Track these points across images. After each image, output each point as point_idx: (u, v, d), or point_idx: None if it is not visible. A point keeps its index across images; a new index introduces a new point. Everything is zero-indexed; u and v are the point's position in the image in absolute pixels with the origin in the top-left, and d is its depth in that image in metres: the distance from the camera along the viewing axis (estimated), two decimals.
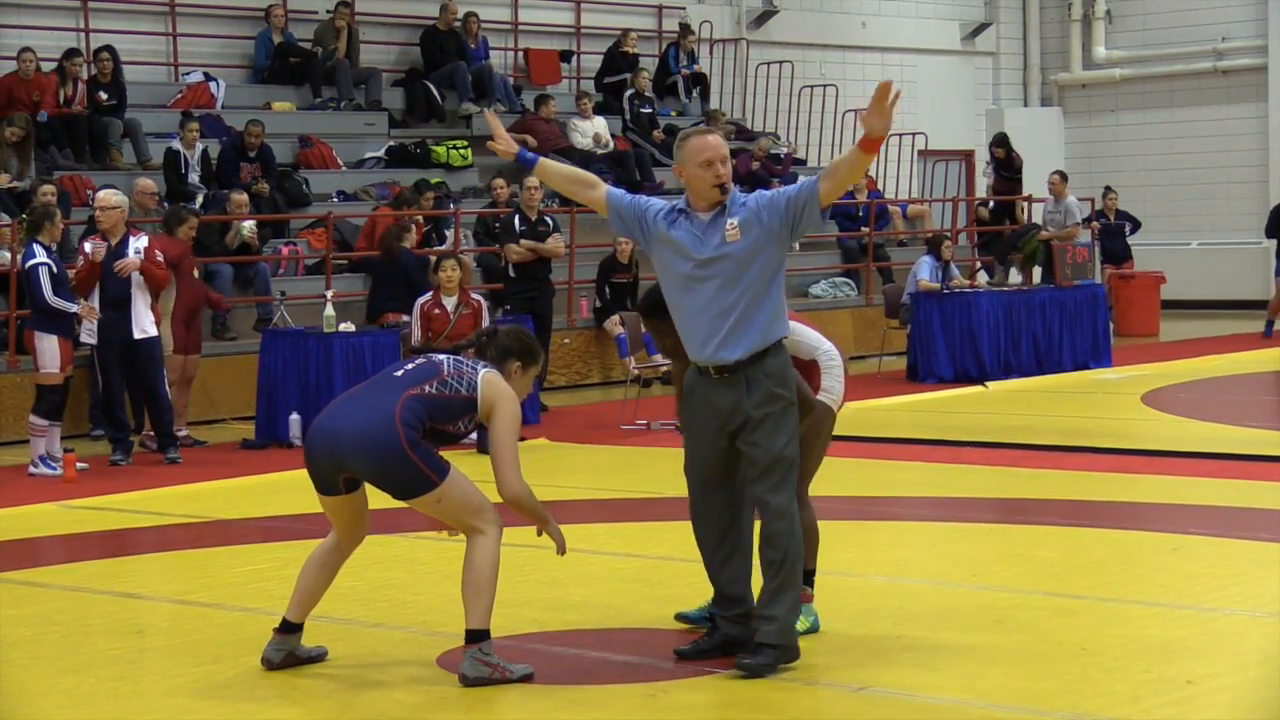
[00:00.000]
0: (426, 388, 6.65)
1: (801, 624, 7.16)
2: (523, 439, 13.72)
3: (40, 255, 12.65)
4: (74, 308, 12.68)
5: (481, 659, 6.56)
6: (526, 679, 6.60)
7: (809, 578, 7.27)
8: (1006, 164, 24.12)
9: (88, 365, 13.70)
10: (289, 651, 6.89)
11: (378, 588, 8.40)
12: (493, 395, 6.70)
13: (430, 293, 13.89)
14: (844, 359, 7.48)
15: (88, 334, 13.00)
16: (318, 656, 6.99)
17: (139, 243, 13.10)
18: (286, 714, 6.33)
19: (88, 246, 12.97)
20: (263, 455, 13.61)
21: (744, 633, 6.83)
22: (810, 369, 7.27)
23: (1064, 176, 22.03)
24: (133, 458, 13.19)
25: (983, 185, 25.74)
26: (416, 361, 6.86)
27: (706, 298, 6.65)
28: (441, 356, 6.86)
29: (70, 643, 7.45)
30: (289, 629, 6.91)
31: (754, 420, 6.65)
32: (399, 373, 6.79)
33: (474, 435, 13.61)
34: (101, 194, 13.41)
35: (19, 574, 9.11)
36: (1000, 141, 24.33)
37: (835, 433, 7.48)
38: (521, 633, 7.31)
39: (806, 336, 7.27)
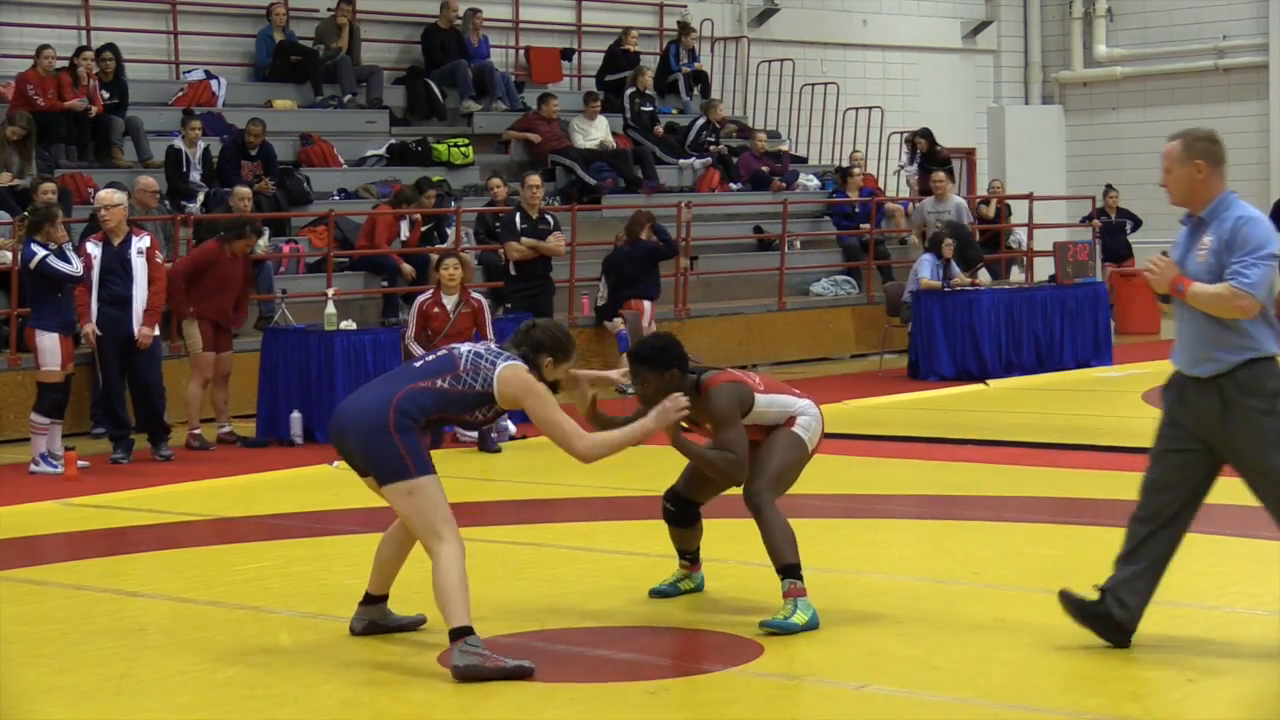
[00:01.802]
0: (439, 382, 6.79)
1: (799, 619, 7.18)
2: (524, 436, 13.78)
3: (40, 251, 12.66)
4: (79, 267, 12.69)
5: (469, 649, 6.59)
6: (524, 673, 6.58)
7: (796, 571, 7.30)
8: (930, 157, 23.28)
9: (88, 363, 13.70)
10: (371, 621, 7.29)
11: None
12: (513, 390, 6.82)
13: (430, 290, 13.87)
14: (820, 416, 7.76)
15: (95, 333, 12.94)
16: (409, 624, 7.32)
17: (141, 242, 13.08)
18: (288, 712, 6.33)
19: (90, 247, 12.94)
20: (264, 453, 13.60)
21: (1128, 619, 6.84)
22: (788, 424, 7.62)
23: (950, 175, 21.35)
24: (133, 455, 13.19)
25: (893, 180, 24.98)
26: (438, 354, 7.01)
27: (1181, 306, 6.69)
28: (464, 349, 6.99)
29: (71, 641, 7.45)
30: (370, 600, 7.30)
31: (1234, 437, 6.63)
32: (418, 364, 7.01)
33: (474, 434, 13.64)
34: (104, 193, 13.36)
35: (20, 572, 9.11)
36: (924, 134, 23.68)
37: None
38: (523, 631, 7.31)
39: (775, 405, 7.59)
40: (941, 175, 20.88)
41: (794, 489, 10.04)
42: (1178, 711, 6.05)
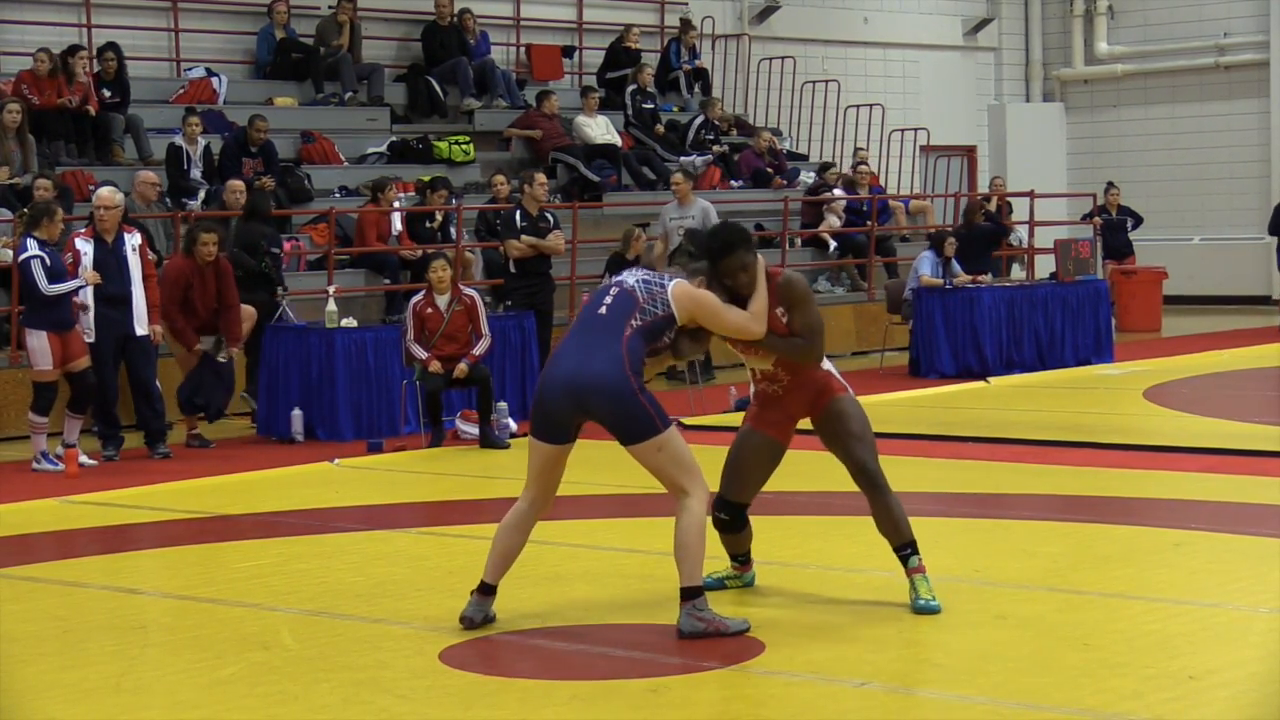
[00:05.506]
0: (633, 322, 7.10)
1: (935, 596, 7.38)
2: (523, 434, 13.74)
3: (32, 248, 12.65)
4: (75, 284, 12.62)
5: (696, 615, 6.98)
6: (742, 632, 7.01)
7: (916, 546, 7.59)
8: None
9: None
10: (487, 613, 7.31)
11: (380, 584, 8.39)
12: (684, 303, 7.18)
13: (423, 292, 13.82)
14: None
15: (87, 332, 12.92)
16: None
17: (133, 239, 13.10)
18: (288, 710, 6.32)
19: (79, 244, 12.92)
20: (265, 450, 13.60)
21: None
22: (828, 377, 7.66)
23: (687, 175, 18.46)
24: (123, 453, 13.18)
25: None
26: (612, 293, 7.22)
27: None
28: (632, 282, 7.23)
29: (72, 638, 7.45)
30: (487, 590, 7.31)
31: None
32: (602, 310, 7.17)
33: (475, 430, 13.63)
34: (104, 191, 13.30)
35: (21, 569, 9.11)
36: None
37: None
38: (524, 628, 7.31)
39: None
40: (680, 176, 18.12)
41: (795, 486, 10.06)
42: (1179, 708, 6.04)
